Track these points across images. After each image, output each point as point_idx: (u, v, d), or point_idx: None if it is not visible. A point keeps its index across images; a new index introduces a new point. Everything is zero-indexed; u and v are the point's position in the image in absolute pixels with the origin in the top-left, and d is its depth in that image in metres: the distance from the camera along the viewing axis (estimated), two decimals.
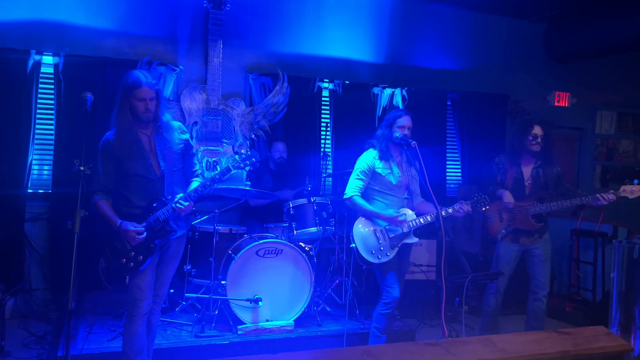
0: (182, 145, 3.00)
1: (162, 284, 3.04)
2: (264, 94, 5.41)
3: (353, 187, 3.58)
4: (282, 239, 4.18)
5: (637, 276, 3.15)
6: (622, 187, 3.59)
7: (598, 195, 3.59)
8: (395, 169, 3.58)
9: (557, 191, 3.86)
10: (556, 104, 6.63)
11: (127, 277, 2.83)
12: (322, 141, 5.52)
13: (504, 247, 3.94)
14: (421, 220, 3.52)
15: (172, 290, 4.23)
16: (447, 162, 6.25)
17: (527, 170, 3.97)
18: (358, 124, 5.68)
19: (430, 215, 3.49)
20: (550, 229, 4.02)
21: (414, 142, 3.38)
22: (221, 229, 4.31)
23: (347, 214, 4.27)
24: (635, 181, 3.57)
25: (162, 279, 3.03)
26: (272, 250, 4.07)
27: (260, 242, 4.04)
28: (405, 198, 3.62)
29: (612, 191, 3.61)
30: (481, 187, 4.07)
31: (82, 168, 2.47)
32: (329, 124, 5.63)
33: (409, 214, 3.57)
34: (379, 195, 3.61)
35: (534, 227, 3.87)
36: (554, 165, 3.95)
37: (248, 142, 5.35)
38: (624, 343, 2.23)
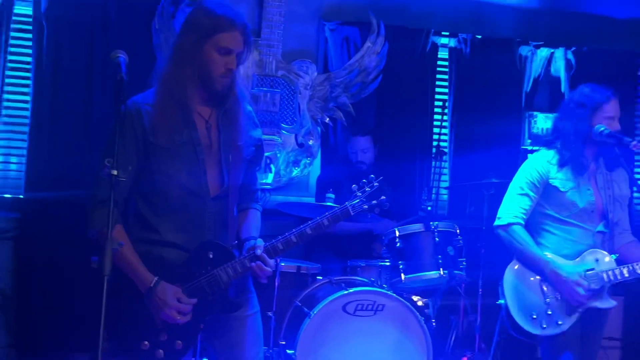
0: (254, 148, 2.81)
1: None
2: (347, 53, 5.38)
3: (513, 210, 3.59)
4: (384, 288, 4.10)
5: None
6: None
7: None
8: (584, 184, 3.54)
9: None
10: None
11: None
12: (436, 131, 5.42)
13: None
14: (624, 272, 3.40)
15: None
16: (637, 171, 6.05)
17: None
18: (494, 104, 5.61)
19: None
20: None
21: (634, 141, 3.33)
22: (284, 265, 4.23)
23: (485, 250, 4.34)
24: None
25: None
26: (367, 305, 3.99)
27: (351, 291, 3.96)
28: (599, 232, 3.54)
29: None
30: None
31: (114, 172, 2.27)
32: (446, 104, 5.54)
33: (605, 260, 3.47)
34: (555, 224, 3.59)
35: None
36: None
37: (319, 128, 5.34)
38: None
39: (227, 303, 2.67)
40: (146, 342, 2.57)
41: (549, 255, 3.49)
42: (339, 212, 2.74)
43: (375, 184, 2.83)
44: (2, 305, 4.85)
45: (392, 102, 5.49)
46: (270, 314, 4.02)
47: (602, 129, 3.42)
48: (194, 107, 2.65)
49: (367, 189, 2.81)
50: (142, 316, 2.57)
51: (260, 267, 2.61)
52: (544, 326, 3.42)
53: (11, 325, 4.84)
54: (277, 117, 5.21)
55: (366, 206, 2.79)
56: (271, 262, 2.63)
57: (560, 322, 3.41)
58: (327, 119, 5.35)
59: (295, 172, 5.29)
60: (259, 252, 2.61)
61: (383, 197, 2.82)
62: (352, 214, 2.76)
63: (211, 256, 2.63)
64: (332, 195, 4.40)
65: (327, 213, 2.74)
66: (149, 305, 2.54)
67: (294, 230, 2.68)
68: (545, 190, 3.54)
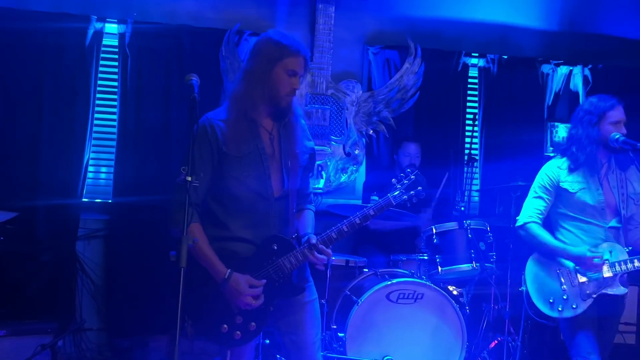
0: (307, 156, 2.97)
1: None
2: (388, 73, 5.61)
3: (529, 211, 3.74)
4: (423, 279, 4.22)
5: None
6: None
7: None
8: (594, 185, 3.63)
9: None
10: None
11: (229, 352, 2.83)
12: (468, 141, 5.59)
13: None
14: (636, 263, 3.49)
15: (267, 341, 4.25)
16: None
17: None
18: (519, 116, 5.78)
19: None
20: None
21: None
22: (335, 259, 4.36)
23: (513, 246, 4.42)
24: None
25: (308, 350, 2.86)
26: (408, 294, 4.11)
27: (393, 281, 4.08)
28: (611, 227, 3.64)
29: None
30: None
31: (189, 178, 2.43)
32: (477, 117, 5.72)
33: (619, 252, 3.57)
34: (569, 221, 3.70)
35: None
36: None
37: (364, 139, 5.55)
38: None
39: (292, 287, 2.79)
40: (225, 326, 2.70)
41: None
42: (383, 202, 2.86)
43: (412, 176, 2.92)
44: (94, 294, 5.12)
45: (429, 116, 5.67)
46: (323, 301, 4.07)
47: (617, 136, 3.51)
48: (260, 121, 2.80)
49: (405, 182, 2.90)
50: (220, 303, 2.70)
51: (318, 256, 2.74)
52: (560, 309, 3.51)
53: (102, 311, 5.11)
54: (327, 130, 5.39)
55: (405, 196, 2.88)
56: (328, 250, 2.76)
57: (574, 306, 3.48)
58: (371, 131, 5.56)
59: (344, 178, 5.45)
60: (313, 240, 2.74)
61: (420, 188, 2.90)
62: (394, 204, 2.86)
63: (275, 248, 2.76)
64: (376, 198, 4.24)
65: (371, 204, 2.89)
66: (225, 294, 2.68)
67: (344, 221, 2.83)
68: (557, 193, 3.66)
